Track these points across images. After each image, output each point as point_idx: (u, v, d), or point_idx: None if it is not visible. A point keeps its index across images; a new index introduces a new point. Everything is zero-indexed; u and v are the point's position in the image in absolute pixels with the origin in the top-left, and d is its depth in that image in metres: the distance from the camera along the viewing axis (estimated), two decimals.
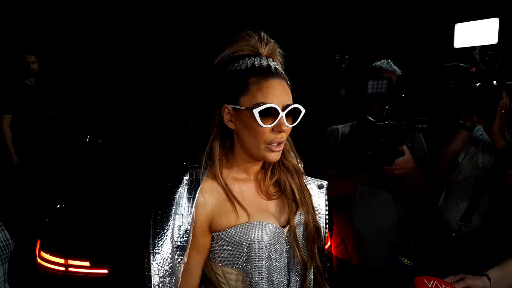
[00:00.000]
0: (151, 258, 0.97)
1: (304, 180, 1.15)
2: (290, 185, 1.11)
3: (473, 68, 1.60)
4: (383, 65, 1.94)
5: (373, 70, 1.94)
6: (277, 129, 0.98)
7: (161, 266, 0.97)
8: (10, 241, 1.12)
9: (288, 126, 0.99)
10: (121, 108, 4.07)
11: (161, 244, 0.98)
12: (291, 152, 1.14)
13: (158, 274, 0.98)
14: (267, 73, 0.98)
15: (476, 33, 1.57)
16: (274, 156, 1.02)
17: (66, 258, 2.22)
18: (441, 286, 1.02)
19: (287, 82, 1.03)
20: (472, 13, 1.69)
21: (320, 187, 1.18)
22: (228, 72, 1.01)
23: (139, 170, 2.87)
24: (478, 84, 1.56)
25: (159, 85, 5.14)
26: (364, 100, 1.92)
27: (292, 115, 1.01)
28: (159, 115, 3.50)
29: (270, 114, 0.97)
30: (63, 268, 2.22)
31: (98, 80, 5.46)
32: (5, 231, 1.13)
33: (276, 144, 0.99)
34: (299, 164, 1.16)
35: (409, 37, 4.40)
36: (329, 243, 2.22)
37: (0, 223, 1.11)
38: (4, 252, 1.09)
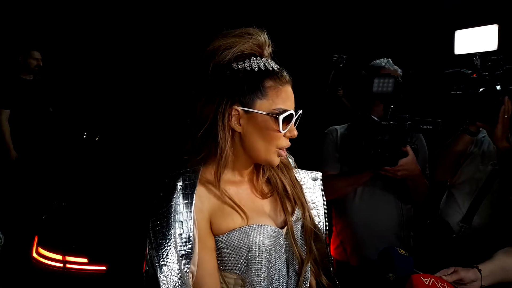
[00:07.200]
0: (158, 272, 0.91)
1: (296, 174, 1.14)
2: (281, 180, 1.09)
3: (474, 75, 1.62)
4: (383, 64, 1.90)
5: (373, 69, 1.89)
6: (289, 134, 0.99)
7: (170, 278, 0.92)
8: (1, 236, 1.11)
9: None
10: (119, 105, 4.06)
11: (166, 255, 0.92)
12: None
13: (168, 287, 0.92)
14: (282, 77, 0.96)
15: (476, 40, 1.60)
16: (279, 160, 1.02)
17: (64, 254, 2.22)
18: (438, 283, 1.03)
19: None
20: (471, 20, 1.71)
21: (314, 179, 1.17)
22: (235, 71, 0.94)
23: (136, 167, 2.87)
24: (481, 89, 1.57)
25: (157, 82, 5.13)
26: (366, 99, 1.87)
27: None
28: (157, 112, 3.50)
29: (287, 120, 0.96)
30: (60, 265, 2.22)
31: (96, 77, 5.44)
32: None
33: (285, 149, 1.00)
34: (289, 159, 1.14)
35: (409, 42, 4.44)
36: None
37: None
38: None
